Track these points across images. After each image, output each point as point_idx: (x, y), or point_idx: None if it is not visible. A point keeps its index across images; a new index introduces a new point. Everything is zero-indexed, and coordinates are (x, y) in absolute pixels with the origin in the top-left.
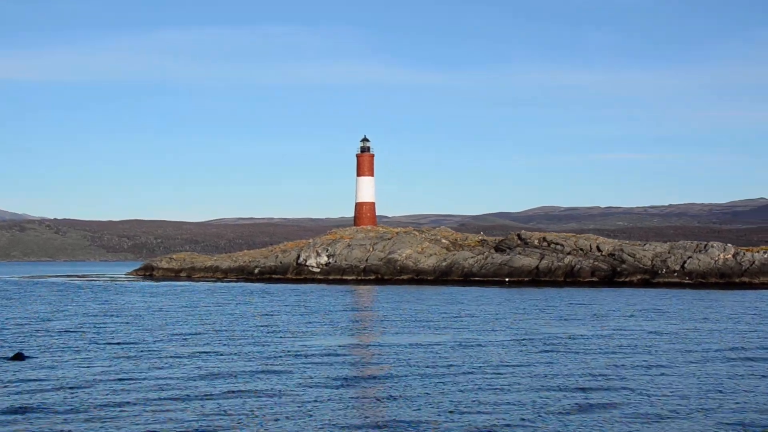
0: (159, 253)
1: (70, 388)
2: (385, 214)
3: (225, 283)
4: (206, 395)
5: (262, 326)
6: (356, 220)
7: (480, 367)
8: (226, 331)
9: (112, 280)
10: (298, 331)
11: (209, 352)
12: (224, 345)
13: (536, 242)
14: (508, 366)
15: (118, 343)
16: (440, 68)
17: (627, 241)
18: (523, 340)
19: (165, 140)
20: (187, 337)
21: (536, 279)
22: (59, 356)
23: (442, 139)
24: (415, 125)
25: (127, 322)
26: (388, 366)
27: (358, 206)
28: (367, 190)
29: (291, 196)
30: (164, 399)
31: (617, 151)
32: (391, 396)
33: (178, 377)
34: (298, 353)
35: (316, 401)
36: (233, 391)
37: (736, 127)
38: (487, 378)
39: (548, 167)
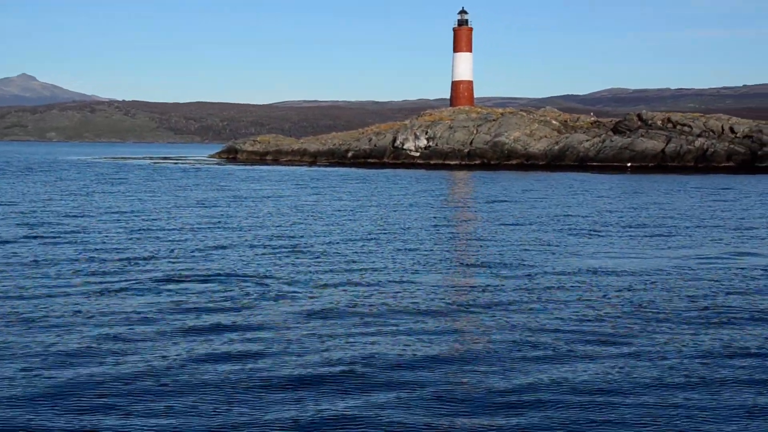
0: (225, 135)
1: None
2: (445, 96)
3: (323, 168)
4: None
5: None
6: (453, 100)
7: None
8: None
9: (201, 163)
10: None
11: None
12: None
13: (659, 123)
14: None
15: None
16: None
17: (764, 122)
18: None
19: (229, 20)
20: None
21: (662, 164)
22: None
23: (502, 20)
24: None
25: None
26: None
27: (455, 85)
28: (464, 67)
29: (354, 79)
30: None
31: (687, 29)
32: None
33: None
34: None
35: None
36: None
37: None
38: None
39: (615, 47)
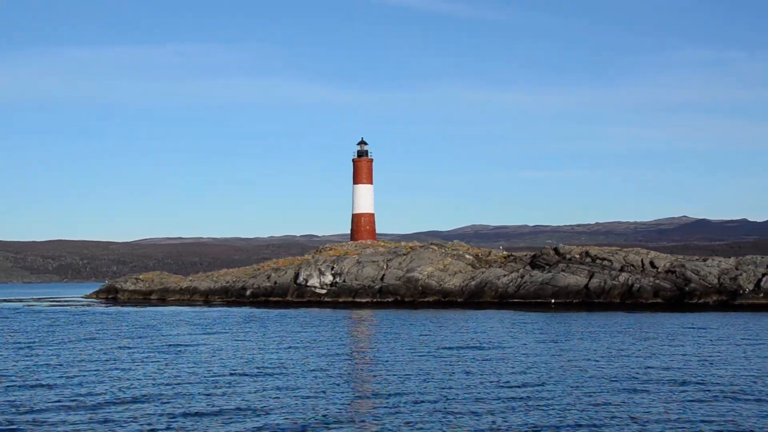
0: (86, 274)
1: None
2: (316, 233)
3: (226, 309)
4: None
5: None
6: (354, 233)
7: None
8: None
9: (77, 304)
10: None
11: None
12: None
13: (577, 257)
14: None
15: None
16: (366, 86)
17: (682, 256)
18: None
19: (88, 156)
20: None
21: (587, 301)
22: None
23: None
24: (338, 143)
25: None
26: None
27: (356, 218)
28: (365, 199)
29: (218, 215)
30: None
31: (543, 169)
32: None
33: None
34: None
35: None
36: None
37: (658, 145)
38: None
39: (476, 185)
